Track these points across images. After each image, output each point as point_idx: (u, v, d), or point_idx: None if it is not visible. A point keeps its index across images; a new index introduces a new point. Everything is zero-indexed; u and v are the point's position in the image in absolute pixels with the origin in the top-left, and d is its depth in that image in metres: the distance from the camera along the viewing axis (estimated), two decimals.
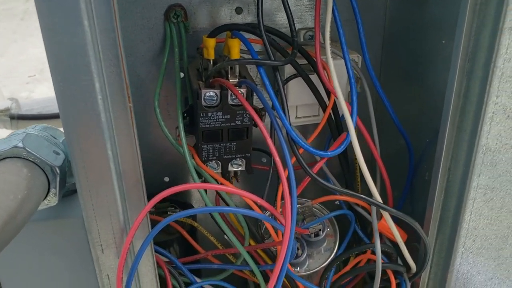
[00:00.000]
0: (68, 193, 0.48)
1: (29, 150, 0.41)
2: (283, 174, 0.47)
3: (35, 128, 0.44)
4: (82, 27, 0.36)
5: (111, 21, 0.37)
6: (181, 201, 0.67)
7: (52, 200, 0.43)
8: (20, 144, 0.41)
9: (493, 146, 0.49)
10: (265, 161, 0.68)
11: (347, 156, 0.60)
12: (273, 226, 0.54)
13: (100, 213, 0.43)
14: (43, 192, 0.41)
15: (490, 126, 0.48)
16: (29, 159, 0.41)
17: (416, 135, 0.58)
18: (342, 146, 0.49)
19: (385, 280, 0.58)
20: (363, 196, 0.51)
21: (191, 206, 0.68)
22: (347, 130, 0.50)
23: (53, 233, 0.46)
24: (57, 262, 0.47)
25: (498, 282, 0.58)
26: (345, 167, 0.61)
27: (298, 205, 0.62)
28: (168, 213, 0.64)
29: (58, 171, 0.42)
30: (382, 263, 0.56)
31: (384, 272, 0.58)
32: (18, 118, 1.32)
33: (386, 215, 0.54)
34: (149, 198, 0.45)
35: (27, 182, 0.39)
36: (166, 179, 0.68)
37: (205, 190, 0.56)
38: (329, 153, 0.49)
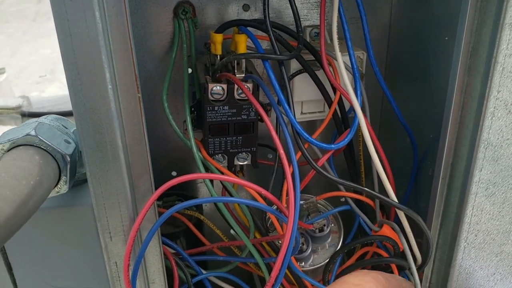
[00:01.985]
0: (79, 182, 0.50)
1: (41, 138, 0.42)
2: (287, 167, 0.48)
3: (47, 118, 0.46)
4: (94, 18, 0.37)
5: (121, 14, 0.39)
6: (189, 195, 0.68)
7: (63, 187, 0.44)
8: (33, 132, 0.42)
9: (495, 141, 0.49)
10: (271, 157, 0.69)
11: (353, 153, 0.61)
12: (277, 219, 0.55)
13: (109, 201, 0.44)
14: (54, 179, 0.43)
15: (491, 121, 0.48)
16: (41, 146, 0.42)
17: (420, 131, 0.59)
18: (346, 139, 0.50)
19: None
20: (366, 188, 0.52)
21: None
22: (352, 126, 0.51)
23: (63, 220, 0.47)
24: (67, 248, 0.49)
25: (501, 278, 0.59)
26: (350, 165, 0.62)
27: (302, 201, 0.63)
28: None
29: (69, 159, 0.44)
30: (386, 257, 0.57)
31: (388, 266, 0.59)
32: (29, 116, 1.35)
33: (401, 214, 0.55)
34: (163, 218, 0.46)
35: (39, 168, 0.41)
36: (174, 173, 0.69)
37: (211, 182, 0.57)
38: (333, 145, 0.50)
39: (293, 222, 0.46)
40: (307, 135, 0.49)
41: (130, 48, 0.40)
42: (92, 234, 0.47)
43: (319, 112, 0.62)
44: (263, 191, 0.48)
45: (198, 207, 0.67)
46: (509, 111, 0.48)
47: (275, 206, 0.52)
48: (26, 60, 2.89)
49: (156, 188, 0.46)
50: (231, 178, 0.49)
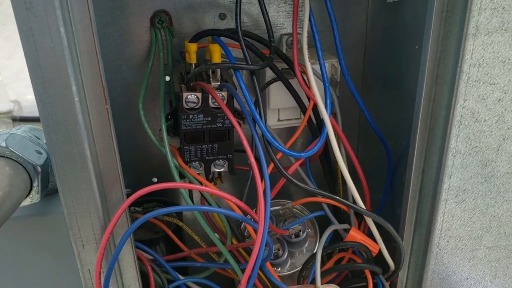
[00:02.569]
0: (52, 192, 0.50)
1: (12, 150, 0.43)
2: (258, 176, 0.49)
3: (20, 129, 0.47)
4: (59, 33, 0.38)
5: (88, 28, 0.39)
6: (169, 201, 0.69)
7: (35, 197, 0.45)
8: (3, 144, 0.43)
9: (463, 148, 0.50)
10: (249, 177, 0.69)
11: (329, 159, 0.62)
12: (251, 226, 0.56)
13: (80, 210, 0.45)
14: (25, 189, 0.44)
15: (459, 129, 0.49)
16: (12, 157, 0.43)
17: (395, 138, 0.59)
18: (315, 147, 0.51)
19: (363, 279, 0.60)
20: (336, 197, 0.53)
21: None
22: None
23: (37, 229, 0.48)
24: (41, 256, 0.49)
25: (474, 283, 0.60)
26: (327, 171, 0.63)
27: (279, 207, 0.63)
28: None
29: (40, 170, 0.44)
30: (359, 263, 0.58)
31: (362, 271, 0.60)
32: (20, 120, 1.36)
33: (369, 221, 0.55)
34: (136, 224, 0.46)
35: (9, 179, 0.41)
36: (155, 179, 0.69)
37: (189, 190, 0.58)
38: (303, 154, 0.51)
39: (263, 228, 0.47)
40: (277, 144, 0.50)
41: (97, 61, 0.41)
42: (65, 242, 0.48)
43: (295, 119, 0.63)
44: (236, 201, 0.49)
45: (178, 213, 0.68)
46: (476, 119, 0.49)
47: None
48: (22, 63, 2.88)
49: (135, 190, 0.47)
50: (204, 187, 0.50)
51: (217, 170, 0.59)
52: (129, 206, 0.48)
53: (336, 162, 0.63)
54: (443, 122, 0.50)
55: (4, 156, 0.43)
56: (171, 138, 0.57)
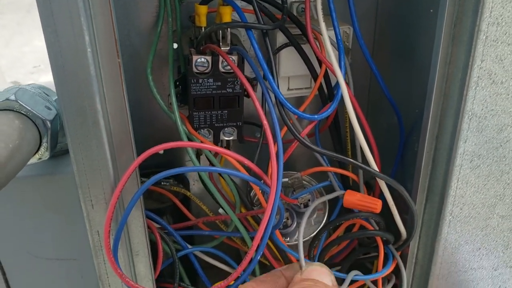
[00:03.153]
0: (62, 152, 0.49)
1: (21, 103, 0.42)
2: (270, 136, 0.48)
3: (29, 85, 0.46)
4: None
5: None
6: (177, 174, 0.68)
7: (44, 154, 0.44)
8: (13, 97, 0.42)
9: (479, 111, 0.49)
10: (259, 135, 0.69)
11: (338, 129, 0.61)
12: (261, 192, 0.55)
13: (90, 167, 0.44)
14: (34, 144, 0.43)
15: (475, 91, 0.48)
16: (21, 111, 0.42)
17: (407, 107, 0.58)
18: (329, 110, 0.50)
19: (374, 248, 0.59)
20: (347, 158, 0.52)
21: (187, 180, 0.69)
22: None
23: (45, 189, 0.47)
24: (49, 218, 0.48)
25: (486, 253, 0.59)
26: (336, 140, 0.62)
27: (287, 178, 0.63)
28: (162, 183, 0.65)
29: (50, 125, 0.43)
30: (370, 230, 0.57)
31: (373, 240, 0.59)
32: None
33: (381, 184, 0.54)
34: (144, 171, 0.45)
35: (18, 133, 0.40)
36: (161, 152, 0.68)
37: (198, 158, 0.57)
38: (316, 116, 0.50)
39: (276, 190, 0.46)
40: (290, 105, 0.49)
41: (110, 12, 0.40)
42: (74, 204, 0.47)
43: (305, 88, 0.62)
44: (246, 161, 0.48)
45: (185, 186, 0.67)
46: (493, 81, 0.48)
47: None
48: (20, 50, 2.87)
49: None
50: (214, 147, 0.49)
51: (226, 139, 0.58)
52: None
53: (346, 132, 0.63)
54: (459, 85, 0.49)
55: (13, 110, 0.42)
56: (180, 107, 0.57)
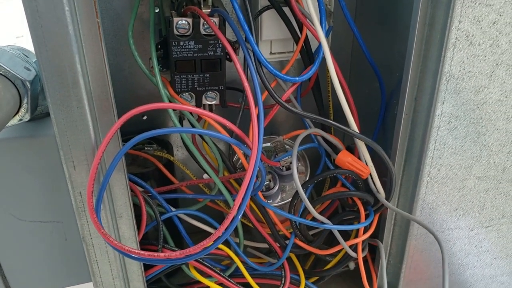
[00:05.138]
0: (43, 115, 0.49)
1: (0, 64, 0.42)
2: (251, 97, 0.48)
3: (8, 46, 0.45)
4: None
5: None
6: (160, 139, 0.69)
7: (25, 115, 0.44)
8: None
9: (456, 73, 0.50)
10: (241, 101, 0.69)
11: (320, 93, 0.62)
12: (244, 156, 0.56)
13: (70, 128, 0.44)
14: (14, 104, 0.42)
15: (453, 53, 0.49)
16: (0, 72, 0.42)
17: (388, 71, 0.59)
18: (310, 71, 0.50)
19: (355, 211, 0.60)
20: (328, 120, 0.52)
21: (171, 146, 0.70)
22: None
23: (26, 151, 0.47)
24: (31, 179, 0.49)
25: (463, 213, 0.61)
26: (320, 107, 0.62)
27: (269, 143, 0.63)
28: (146, 148, 0.65)
29: (30, 86, 0.43)
30: (351, 191, 0.58)
31: (354, 204, 0.60)
32: None
33: (361, 145, 0.55)
34: (127, 137, 0.45)
35: None
36: (144, 117, 0.69)
37: (179, 120, 0.57)
38: (297, 78, 0.50)
39: (257, 149, 0.47)
40: (271, 67, 0.49)
41: None
42: (56, 166, 0.47)
43: (288, 52, 0.62)
44: (228, 123, 0.48)
45: (169, 152, 0.67)
46: (470, 43, 0.49)
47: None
48: (2, 20, 2.82)
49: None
50: (194, 108, 0.49)
51: (209, 103, 0.58)
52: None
53: (328, 96, 0.64)
54: (437, 46, 0.49)
55: None
56: (162, 72, 0.56)
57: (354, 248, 0.62)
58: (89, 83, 0.44)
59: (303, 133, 0.57)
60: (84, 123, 0.44)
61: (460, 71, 0.50)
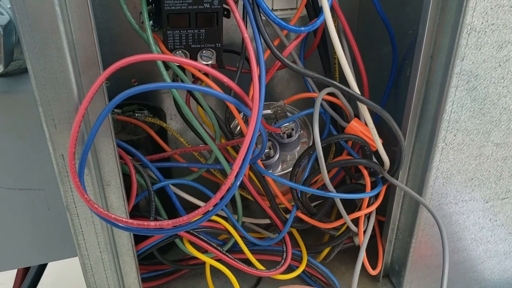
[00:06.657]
0: (20, 71, 0.44)
1: None
2: (251, 51, 0.43)
3: None
4: None
5: None
6: (151, 105, 0.64)
7: None
8: None
9: (478, 26, 0.45)
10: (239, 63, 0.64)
11: (327, 50, 0.57)
12: (242, 117, 0.51)
13: (50, 80, 0.39)
14: None
15: (476, 2, 0.44)
16: None
17: (400, 29, 0.54)
18: (317, 22, 0.46)
19: (363, 185, 0.56)
20: (335, 82, 0.48)
21: (163, 112, 0.65)
22: None
23: (2, 109, 0.42)
24: (8, 142, 0.44)
25: (478, 184, 0.56)
26: (325, 62, 0.58)
27: (269, 110, 0.59)
28: (136, 114, 0.60)
29: (2, 32, 0.38)
30: (357, 159, 0.54)
31: (359, 173, 0.56)
32: None
33: (363, 109, 0.51)
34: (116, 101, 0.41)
35: None
36: (134, 81, 0.64)
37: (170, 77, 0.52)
38: (303, 28, 0.45)
39: (258, 110, 0.42)
40: (274, 16, 0.44)
41: None
42: (35, 126, 0.42)
43: (291, 9, 0.57)
44: (226, 79, 0.44)
45: (162, 119, 0.63)
46: None
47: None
48: None
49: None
50: (188, 60, 0.44)
51: (204, 63, 0.53)
52: None
53: (335, 57, 0.59)
54: None
55: None
56: (154, 31, 0.52)
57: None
58: (72, 32, 0.39)
59: (323, 92, 0.52)
60: (66, 75, 0.39)
61: (482, 23, 0.45)
